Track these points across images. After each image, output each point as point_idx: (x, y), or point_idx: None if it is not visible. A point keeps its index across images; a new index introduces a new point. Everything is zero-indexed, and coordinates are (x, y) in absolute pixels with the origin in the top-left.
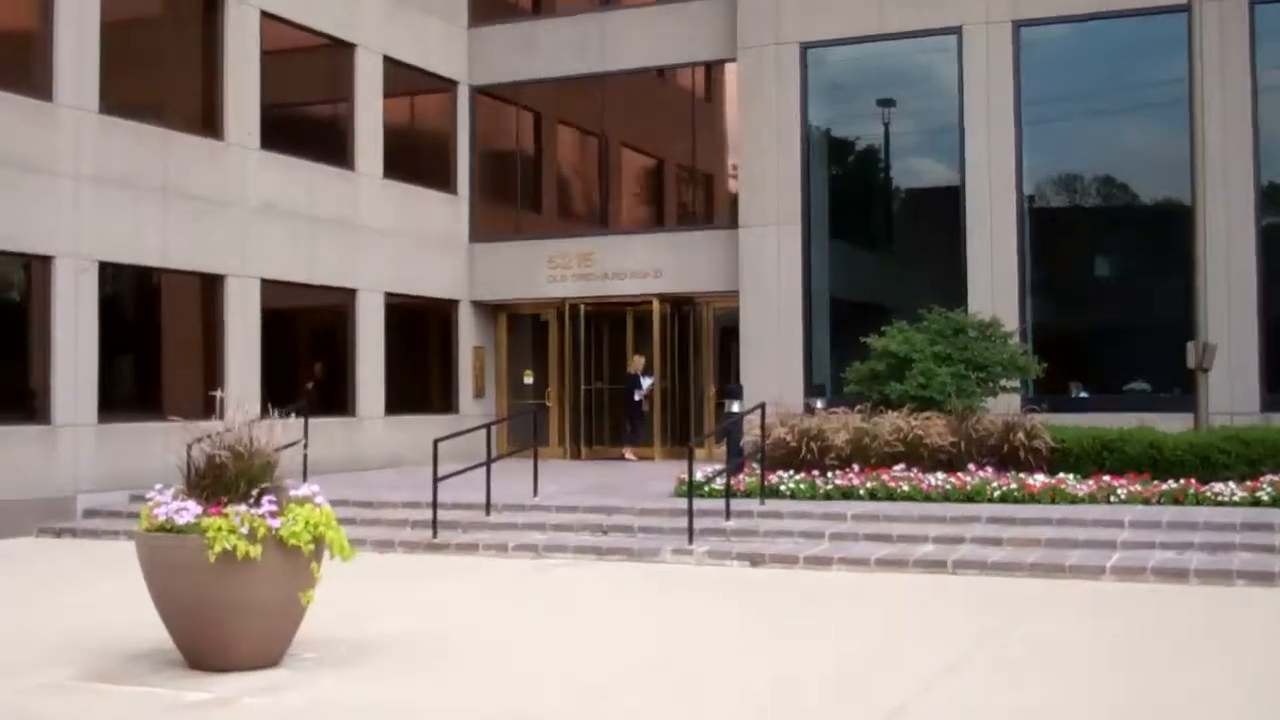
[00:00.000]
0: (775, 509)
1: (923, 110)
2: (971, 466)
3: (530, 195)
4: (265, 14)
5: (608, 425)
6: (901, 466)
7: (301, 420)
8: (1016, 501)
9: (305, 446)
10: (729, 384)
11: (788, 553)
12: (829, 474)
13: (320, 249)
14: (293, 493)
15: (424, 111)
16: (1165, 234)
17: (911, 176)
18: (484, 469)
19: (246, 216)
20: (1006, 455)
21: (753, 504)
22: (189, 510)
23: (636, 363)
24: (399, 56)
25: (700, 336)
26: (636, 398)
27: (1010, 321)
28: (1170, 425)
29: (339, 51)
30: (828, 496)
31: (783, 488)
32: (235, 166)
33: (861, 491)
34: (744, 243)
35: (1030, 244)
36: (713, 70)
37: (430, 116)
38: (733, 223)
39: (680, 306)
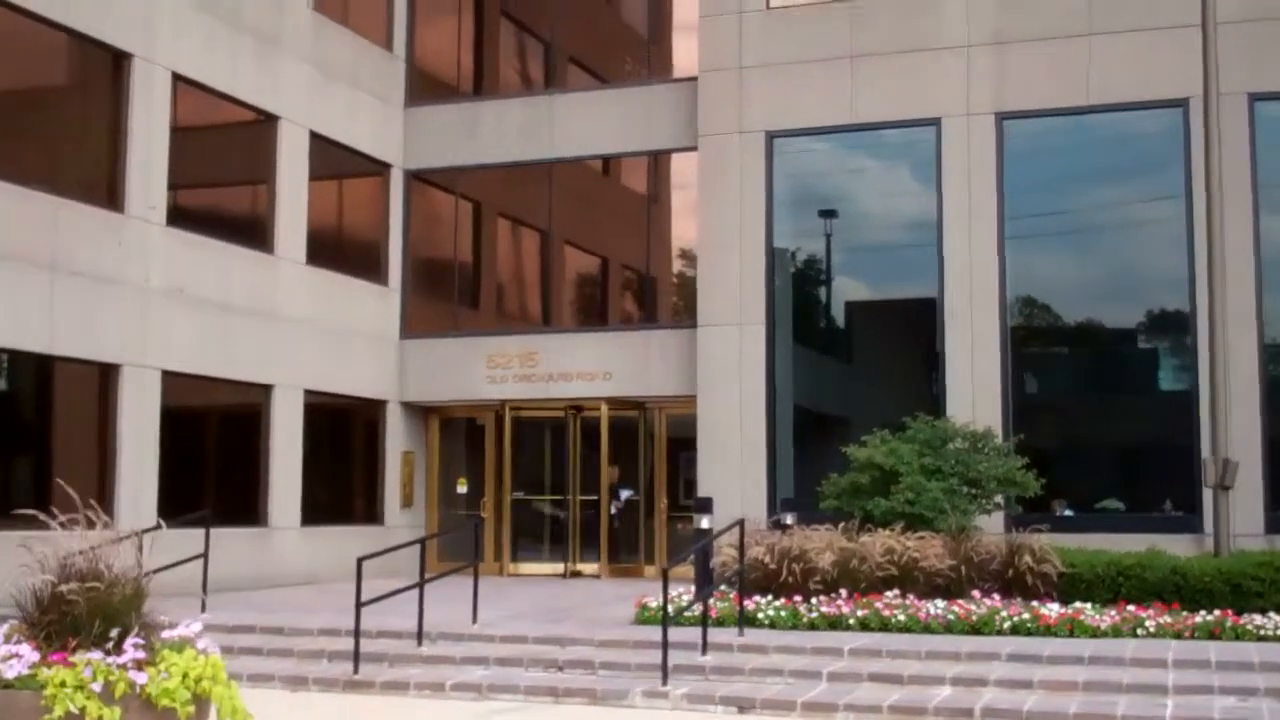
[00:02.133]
0: (757, 641)
1: (898, 206)
2: (977, 594)
3: (468, 289)
4: (177, 76)
5: (548, 540)
6: (895, 592)
7: (203, 531)
8: (1029, 634)
9: (206, 562)
10: (698, 497)
11: (782, 697)
12: (812, 600)
13: (233, 339)
14: (170, 634)
15: (353, 195)
16: (1162, 341)
17: (884, 276)
18: (415, 590)
19: (148, 300)
20: (1011, 580)
21: (730, 634)
22: (22, 658)
23: (613, 474)
24: (327, 133)
25: (653, 444)
26: (614, 510)
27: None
28: (1174, 547)
29: (261, 124)
30: (813, 626)
31: (761, 615)
32: (136, 243)
33: (852, 621)
34: (703, 343)
35: (1012, 351)
36: (670, 160)
37: (360, 201)
38: (689, 321)
39: (629, 411)
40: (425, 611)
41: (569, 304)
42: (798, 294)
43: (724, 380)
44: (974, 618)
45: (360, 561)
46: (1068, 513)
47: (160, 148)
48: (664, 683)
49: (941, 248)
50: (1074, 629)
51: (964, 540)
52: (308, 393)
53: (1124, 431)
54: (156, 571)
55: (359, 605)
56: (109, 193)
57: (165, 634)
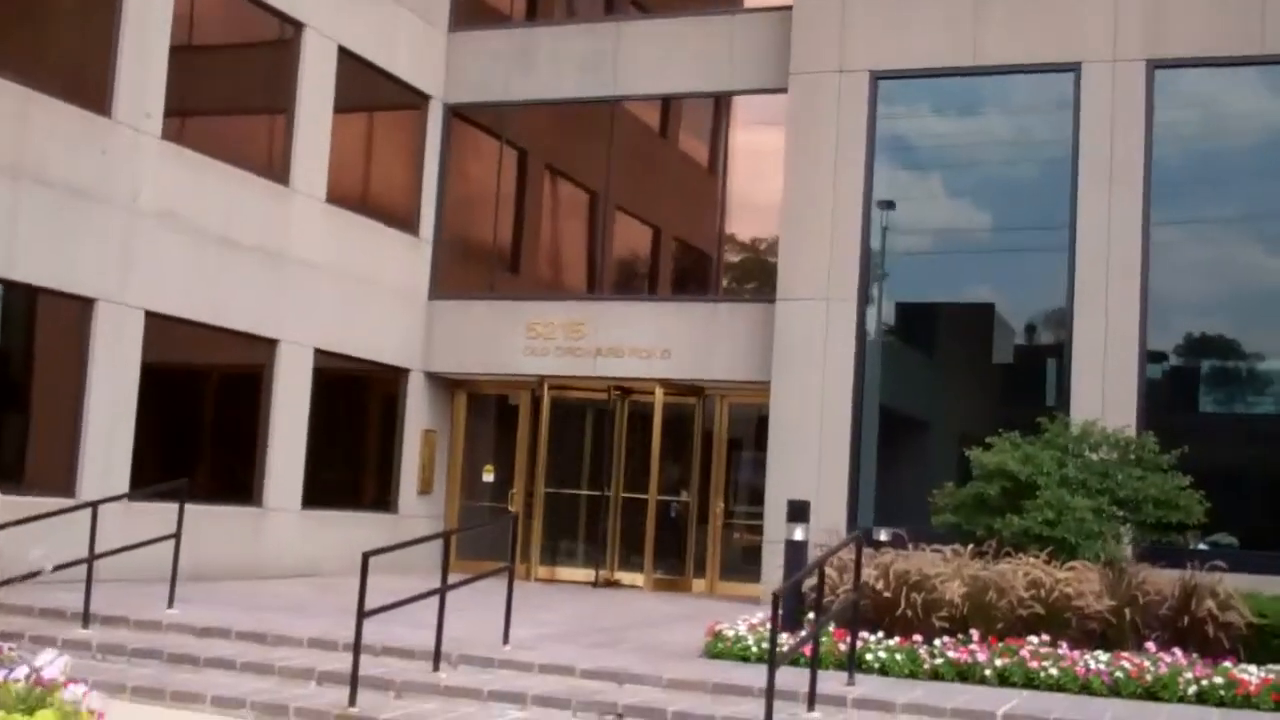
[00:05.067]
0: (876, 695)
1: (1022, 168)
2: (1151, 646)
3: (510, 245)
4: None
5: (582, 542)
6: (1044, 638)
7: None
8: (1221, 703)
9: (178, 545)
10: (792, 500)
11: None
12: (936, 641)
13: (234, 281)
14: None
15: (386, 128)
16: None
17: (999, 251)
18: (433, 598)
19: (134, 223)
20: (1186, 630)
21: (836, 682)
22: None
23: (670, 471)
24: (358, 51)
25: (712, 437)
26: (673, 513)
27: None
28: None
29: (282, 31)
30: (937, 675)
31: (869, 657)
32: (123, 154)
33: (988, 672)
34: (781, 319)
35: (1154, 344)
36: (749, 105)
37: (393, 135)
38: (765, 294)
39: (687, 398)
40: (445, 625)
41: (622, 270)
42: (894, 267)
43: (805, 364)
44: (1148, 677)
45: (366, 558)
46: (1207, 544)
47: (160, 44)
48: None
49: (1075, 218)
50: None
51: (1125, 575)
52: (319, 353)
53: None
54: (114, 553)
55: (361, 615)
56: (95, 92)
57: (19, 673)
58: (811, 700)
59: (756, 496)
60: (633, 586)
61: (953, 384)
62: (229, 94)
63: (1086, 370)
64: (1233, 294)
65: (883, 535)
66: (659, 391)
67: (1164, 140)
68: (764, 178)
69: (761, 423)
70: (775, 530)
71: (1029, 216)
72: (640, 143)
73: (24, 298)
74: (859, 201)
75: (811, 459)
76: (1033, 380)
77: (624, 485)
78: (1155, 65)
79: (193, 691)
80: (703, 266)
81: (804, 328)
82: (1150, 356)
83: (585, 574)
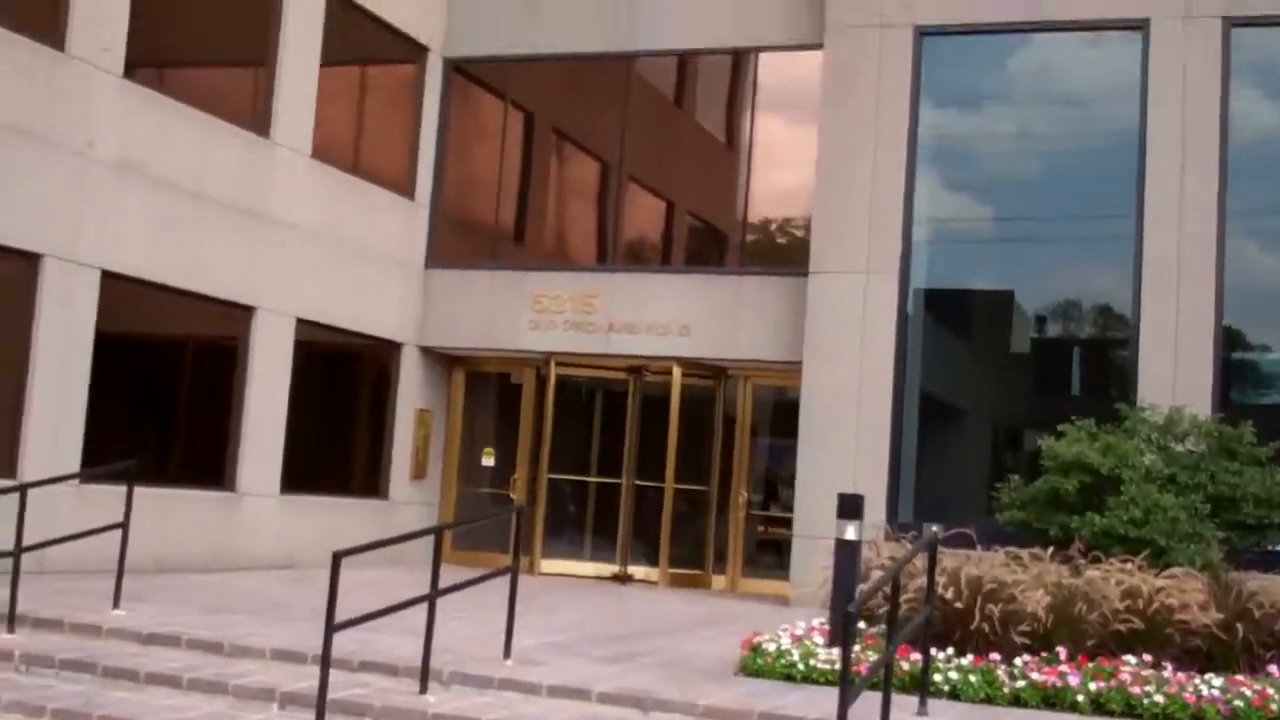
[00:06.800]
0: None
1: (1083, 134)
2: (1276, 670)
3: (515, 212)
4: None
5: (590, 534)
6: (1143, 657)
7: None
8: None
9: (125, 534)
10: (844, 494)
11: None
12: (1016, 661)
13: (206, 241)
14: None
15: (380, 81)
16: None
17: (1055, 224)
18: (425, 606)
19: (88, 172)
20: None
21: (902, 710)
22: None
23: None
24: None
25: (735, 422)
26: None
27: None
28: None
29: None
30: (1018, 700)
31: (938, 678)
32: (77, 93)
33: (1080, 698)
34: (816, 294)
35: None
36: (775, 64)
37: (387, 89)
38: (797, 267)
39: (706, 380)
40: (435, 632)
41: (636, 241)
42: (937, 243)
43: (841, 343)
44: (1274, 706)
45: (338, 559)
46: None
47: None
48: None
49: (1142, 190)
50: None
51: (1232, 585)
52: (301, 323)
53: None
54: (54, 543)
55: (330, 627)
56: (45, 22)
57: None
58: None
59: (783, 487)
60: (646, 582)
61: (995, 370)
62: (203, 35)
63: (1156, 353)
64: None
65: (935, 530)
66: (677, 371)
67: (1242, 105)
68: (792, 144)
69: (790, 407)
70: (807, 524)
71: (1090, 189)
72: (656, 108)
73: None
74: (902, 168)
75: (848, 447)
76: (1092, 366)
77: (637, 472)
78: (1232, 23)
79: (126, 717)
80: (724, 238)
81: (840, 304)
82: (1227, 340)
83: (593, 568)
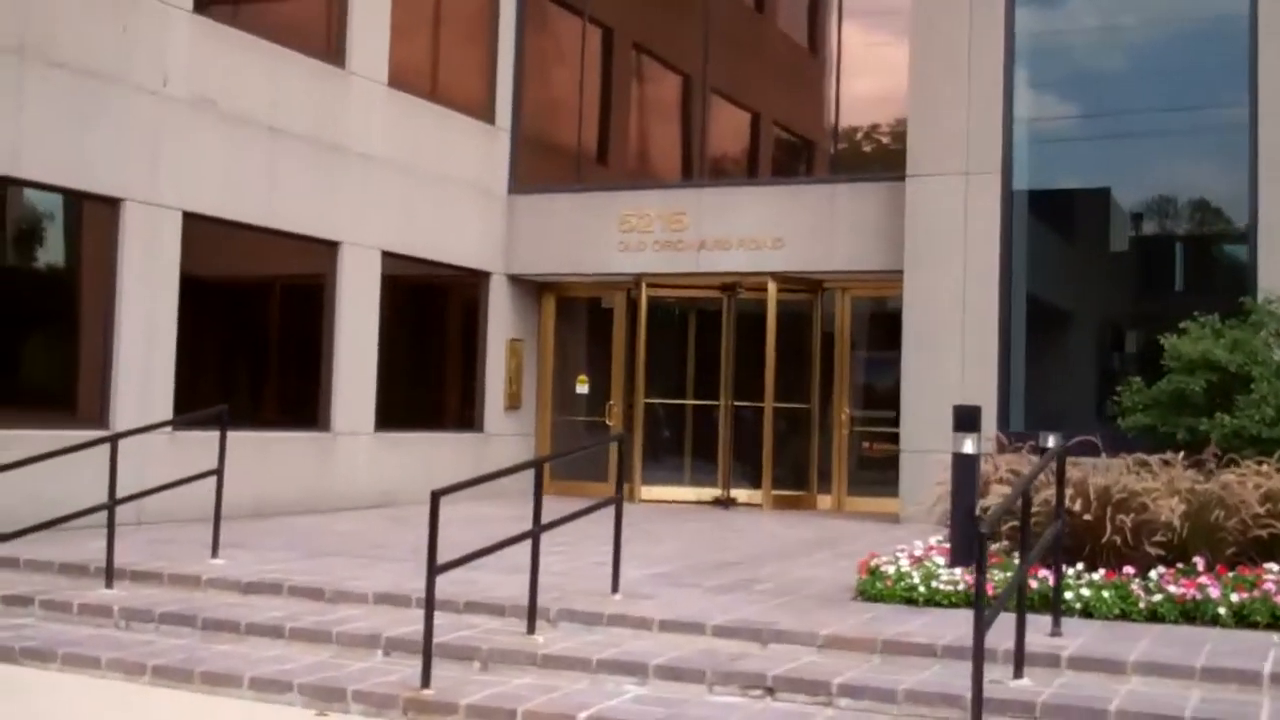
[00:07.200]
0: (1094, 650)
1: (1188, 17)
2: None
3: (598, 133)
4: None
5: (689, 458)
6: None
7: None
8: None
9: (220, 482)
10: (959, 405)
11: None
12: (1151, 573)
13: (285, 177)
14: None
15: (454, 4)
16: None
17: (1158, 115)
18: (529, 543)
19: (165, 112)
20: None
21: (1034, 631)
22: None
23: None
24: None
25: (834, 337)
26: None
27: None
28: None
29: None
30: (1155, 615)
31: (1068, 595)
32: (149, 31)
33: (1221, 610)
34: (914, 198)
35: None
36: None
37: (462, 12)
38: (893, 171)
39: (802, 294)
40: (540, 570)
41: (723, 155)
42: (1036, 141)
43: (943, 249)
44: None
45: (436, 498)
46: None
47: None
48: None
49: (1255, 71)
50: None
51: None
52: (386, 256)
53: None
54: (148, 493)
55: (433, 570)
56: None
57: None
58: (1019, 663)
59: (886, 401)
60: (749, 505)
61: (1097, 271)
62: None
63: (1277, 246)
64: None
65: (1050, 440)
66: (772, 286)
67: None
68: (879, 47)
69: (890, 318)
70: (914, 439)
71: (1196, 80)
72: (737, 17)
73: (35, 200)
74: (1000, 59)
75: (954, 357)
76: (1196, 262)
77: (735, 393)
78: None
79: (228, 671)
80: (813, 147)
81: (940, 207)
82: None
83: (695, 493)
